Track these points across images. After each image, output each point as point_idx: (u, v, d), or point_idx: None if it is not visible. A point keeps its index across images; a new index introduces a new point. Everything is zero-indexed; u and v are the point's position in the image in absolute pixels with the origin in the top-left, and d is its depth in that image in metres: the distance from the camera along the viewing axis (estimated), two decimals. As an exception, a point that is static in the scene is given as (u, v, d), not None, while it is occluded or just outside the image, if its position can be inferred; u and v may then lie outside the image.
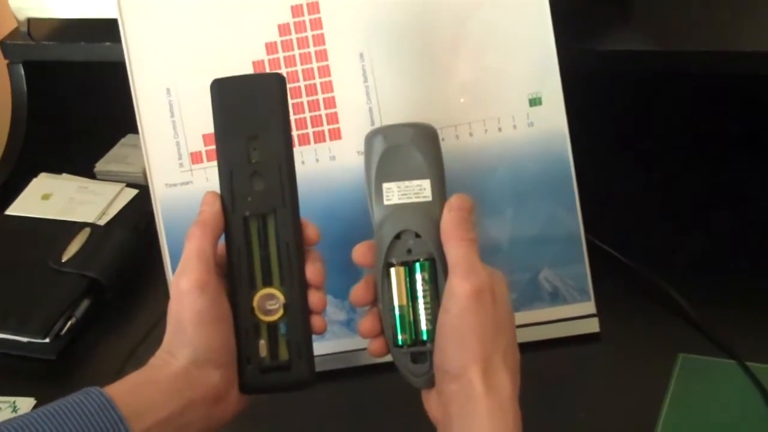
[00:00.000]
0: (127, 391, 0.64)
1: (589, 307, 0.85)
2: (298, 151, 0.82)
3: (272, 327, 0.69)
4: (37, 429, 0.60)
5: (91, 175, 1.14)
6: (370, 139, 0.72)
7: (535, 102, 0.83)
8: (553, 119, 0.83)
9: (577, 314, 0.85)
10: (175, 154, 0.85)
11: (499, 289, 0.67)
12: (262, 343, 0.69)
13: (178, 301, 0.66)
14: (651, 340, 0.85)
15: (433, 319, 0.68)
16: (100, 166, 1.15)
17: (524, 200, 0.84)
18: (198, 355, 0.66)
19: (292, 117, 0.82)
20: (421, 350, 0.69)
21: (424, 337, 0.69)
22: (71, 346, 0.92)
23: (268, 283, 0.69)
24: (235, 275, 0.69)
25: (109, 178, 1.13)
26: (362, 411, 0.82)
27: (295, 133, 0.83)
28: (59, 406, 0.62)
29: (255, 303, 0.69)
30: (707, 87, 0.99)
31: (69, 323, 0.92)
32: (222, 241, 0.69)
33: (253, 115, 0.69)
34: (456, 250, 0.67)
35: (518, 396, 0.65)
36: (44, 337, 0.90)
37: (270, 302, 0.69)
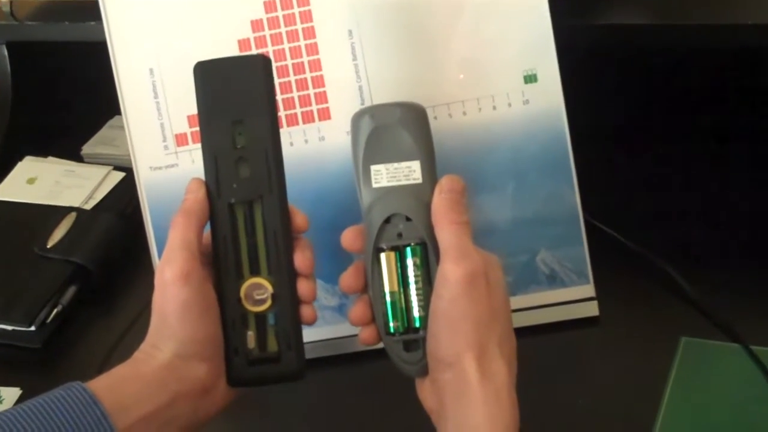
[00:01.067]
0: (110, 385, 0.63)
1: (588, 290, 0.84)
2: (286, 132, 0.82)
3: (260, 317, 0.68)
4: (17, 427, 0.59)
5: (78, 158, 1.13)
6: (356, 119, 0.70)
7: (530, 79, 0.82)
8: (549, 97, 0.82)
9: (575, 297, 0.84)
10: (159, 136, 0.84)
11: (494, 274, 0.65)
12: (250, 334, 0.68)
13: (162, 292, 0.65)
14: (652, 323, 0.85)
15: (425, 306, 0.66)
16: (87, 149, 1.14)
17: (520, 181, 0.83)
18: (183, 348, 0.65)
19: (280, 97, 0.82)
20: (413, 338, 0.67)
21: (417, 324, 0.67)
22: (57, 334, 0.91)
23: (255, 272, 0.68)
24: (221, 264, 0.67)
25: (97, 160, 1.12)
26: (354, 399, 0.81)
27: (282, 113, 0.82)
28: (39, 403, 0.61)
29: (242, 293, 0.67)
30: (709, 61, 0.98)
31: (55, 311, 0.91)
32: (208, 230, 0.68)
33: (237, 98, 0.68)
34: (448, 234, 0.65)
35: (515, 383, 0.64)
36: (29, 325, 0.89)
37: (258, 292, 0.67)
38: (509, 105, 0.82)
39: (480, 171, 0.82)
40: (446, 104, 0.82)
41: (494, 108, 0.82)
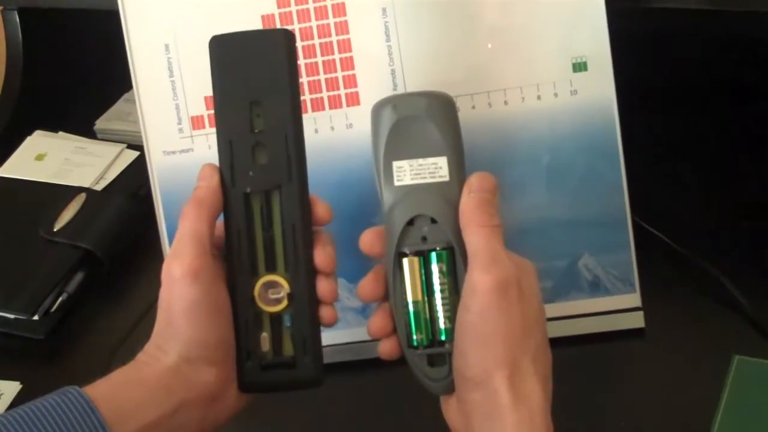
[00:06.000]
0: (110, 391, 0.62)
1: (634, 299, 0.82)
2: (311, 117, 0.81)
3: (275, 318, 0.67)
4: (8, 435, 0.58)
5: (91, 133, 1.13)
6: (377, 110, 0.68)
7: (579, 67, 0.80)
8: (599, 87, 0.80)
9: (620, 307, 0.82)
10: (174, 118, 0.83)
11: (527, 282, 0.63)
12: (264, 336, 0.67)
13: (169, 289, 0.64)
14: (703, 338, 0.83)
15: (452, 317, 0.65)
16: (100, 124, 1.13)
17: (563, 178, 0.81)
18: (190, 351, 0.64)
19: (305, 79, 0.81)
20: (438, 352, 0.66)
21: (443, 337, 0.66)
22: (62, 325, 0.91)
23: (271, 269, 0.66)
24: (234, 260, 0.66)
25: (111, 137, 1.12)
26: (375, 408, 0.80)
27: (308, 97, 0.81)
28: (32, 409, 0.59)
29: (256, 291, 0.66)
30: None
31: (60, 299, 0.91)
32: (221, 220, 0.67)
33: (256, 77, 0.66)
34: (476, 238, 0.63)
35: (550, 405, 0.62)
36: (32, 314, 0.89)
37: (273, 291, 0.66)
38: (555, 95, 0.80)
39: (519, 168, 0.81)
40: (486, 92, 0.80)
41: (539, 98, 0.80)
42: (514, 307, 0.61)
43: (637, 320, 0.82)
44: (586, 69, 0.80)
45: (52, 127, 1.11)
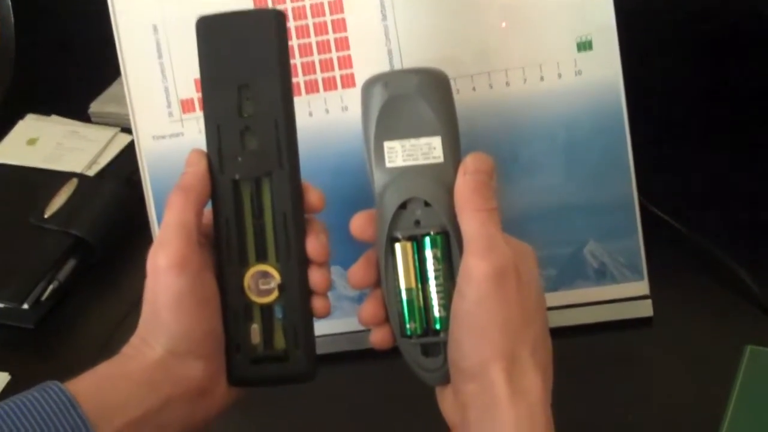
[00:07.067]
0: (92, 386, 0.61)
1: (642, 287, 0.81)
2: (305, 100, 0.80)
3: (266, 310, 0.66)
4: (-15, 432, 0.57)
5: (86, 116, 1.12)
6: (367, 88, 0.67)
7: (584, 46, 0.79)
8: (605, 67, 0.79)
9: (627, 295, 0.81)
10: (163, 101, 0.82)
11: (526, 268, 0.62)
12: (255, 327, 0.66)
13: (154, 279, 0.63)
14: (714, 328, 0.82)
15: (447, 305, 0.63)
16: (95, 107, 1.13)
17: (567, 162, 0.80)
18: (177, 344, 0.63)
19: (299, 60, 0.80)
20: (433, 341, 0.64)
21: (437, 326, 0.64)
22: (52, 314, 0.91)
23: (261, 258, 0.65)
24: (223, 249, 0.65)
25: (105, 120, 1.11)
26: (372, 400, 0.79)
27: (301, 79, 0.80)
28: (10, 406, 0.58)
29: (246, 282, 0.65)
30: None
31: (51, 287, 0.91)
32: (209, 208, 0.66)
33: (245, 59, 0.65)
34: (472, 222, 0.62)
35: (550, 398, 0.60)
36: (22, 303, 0.89)
37: (263, 281, 0.65)
38: (559, 76, 0.79)
39: (521, 150, 0.79)
40: (487, 73, 0.79)
41: (542, 79, 0.79)
42: (511, 295, 0.60)
43: (645, 309, 0.81)
44: (591, 48, 0.79)
45: (46, 110, 1.11)
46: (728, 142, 0.98)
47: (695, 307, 0.83)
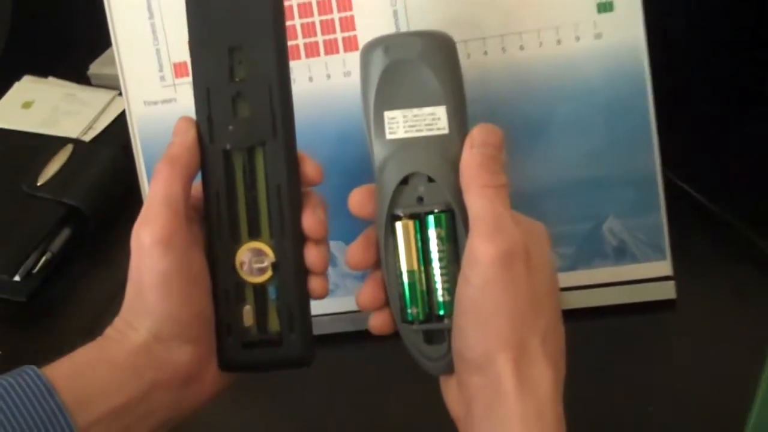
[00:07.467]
0: (72, 371, 0.59)
1: (665, 267, 0.79)
2: (304, 64, 0.78)
3: (259, 290, 0.63)
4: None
5: (85, 78, 1.10)
6: (367, 52, 0.64)
7: (604, 7, 0.76)
8: (627, 30, 0.76)
9: (648, 276, 0.79)
10: (155, 65, 0.79)
11: (538, 250, 0.59)
12: (247, 309, 0.64)
13: (139, 258, 0.60)
14: (741, 311, 0.79)
15: (451, 289, 0.60)
16: (95, 68, 1.10)
17: (586, 132, 0.77)
18: (162, 327, 0.60)
19: (297, 22, 0.77)
20: (436, 327, 0.62)
21: (441, 311, 0.61)
22: (45, 286, 0.90)
23: (254, 235, 0.63)
24: (213, 224, 0.63)
25: (105, 82, 1.08)
26: (375, 384, 0.77)
27: (300, 41, 0.77)
28: None
29: (238, 260, 0.63)
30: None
31: (43, 259, 0.89)
32: (199, 180, 0.63)
33: (237, 18, 0.63)
34: (479, 200, 0.59)
35: (561, 391, 0.58)
36: (13, 275, 0.87)
37: (257, 259, 0.63)
38: (577, 39, 0.76)
39: (535, 119, 0.77)
40: (500, 36, 0.76)
41: (558, 42, 0.76)
42: (520, 280, 0.57)
43: (667, 291, 0.79)
44: (612, 9, 0.76)
45: (44, 71, 1.09)
46: (758, 110, 0.94)
47: (721, 290, 0.81)
